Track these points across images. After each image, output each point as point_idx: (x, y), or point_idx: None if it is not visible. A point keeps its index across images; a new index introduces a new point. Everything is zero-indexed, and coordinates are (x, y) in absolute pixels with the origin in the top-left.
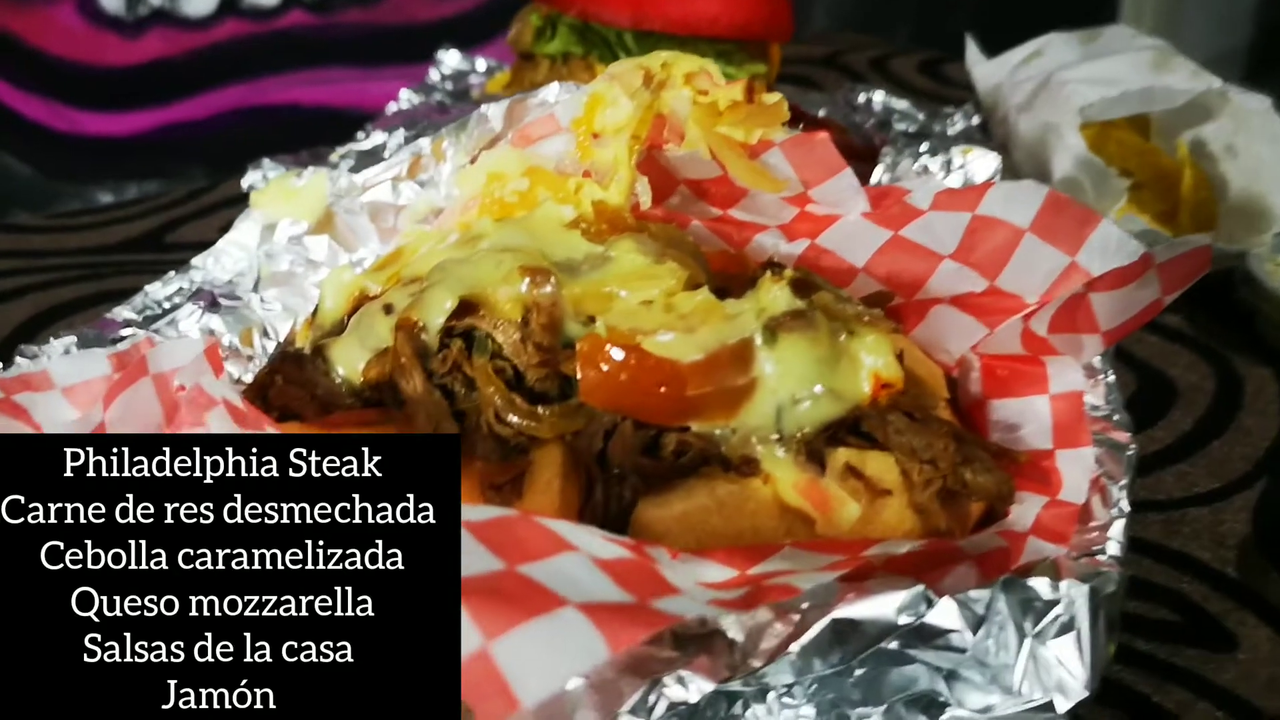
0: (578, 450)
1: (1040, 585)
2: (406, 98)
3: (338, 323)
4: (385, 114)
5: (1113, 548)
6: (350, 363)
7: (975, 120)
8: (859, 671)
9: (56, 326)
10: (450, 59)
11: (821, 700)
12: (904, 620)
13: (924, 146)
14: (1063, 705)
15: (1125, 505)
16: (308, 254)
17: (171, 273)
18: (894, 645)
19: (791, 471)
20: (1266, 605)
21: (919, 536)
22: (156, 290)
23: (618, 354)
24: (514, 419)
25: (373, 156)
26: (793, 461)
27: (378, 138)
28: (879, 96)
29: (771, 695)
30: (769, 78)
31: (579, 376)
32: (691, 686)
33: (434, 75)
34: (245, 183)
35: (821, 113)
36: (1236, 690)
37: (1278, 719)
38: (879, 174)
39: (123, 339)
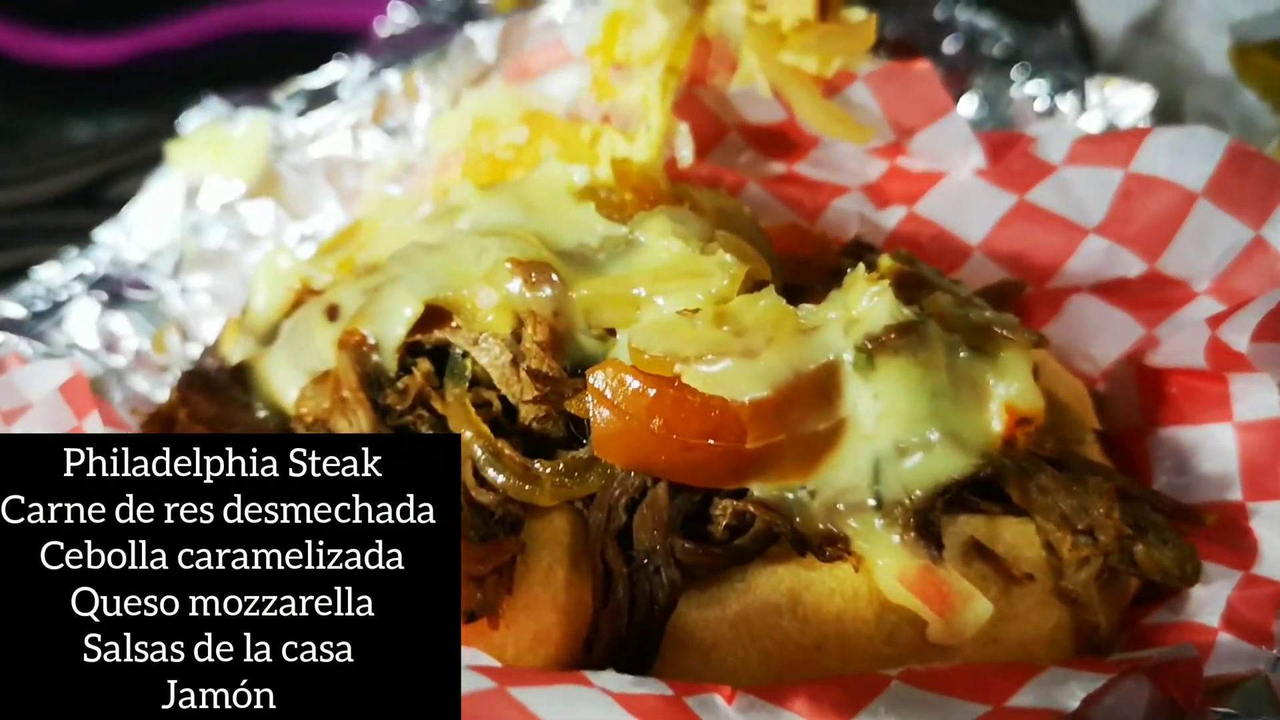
0: (591, 524)
1: None
2: (400, 17)
3: (271, 327)
4: (373, 38)
5: None
6: (280, 388)
7: (1071, 37)
8: None
9: None
10: None
11: None
12: None
13: (1017, 72)
14: None
15: None
16: (245, 225)
17: (72, 250)
18: None
19: (897, 554)
20: None
21: (1066, 635)
22: (50, 276)
23: (647, 390)
24: (500, 478)
25: (327, 96)
26: (898, 539)
27: (335, 71)
28: (962, 12)
29: None
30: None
31: (592, 419)
32: None
33: None
34: (184, 127)
35: (892, 32)
36: None
37: None
38: (971, 108)
39: None
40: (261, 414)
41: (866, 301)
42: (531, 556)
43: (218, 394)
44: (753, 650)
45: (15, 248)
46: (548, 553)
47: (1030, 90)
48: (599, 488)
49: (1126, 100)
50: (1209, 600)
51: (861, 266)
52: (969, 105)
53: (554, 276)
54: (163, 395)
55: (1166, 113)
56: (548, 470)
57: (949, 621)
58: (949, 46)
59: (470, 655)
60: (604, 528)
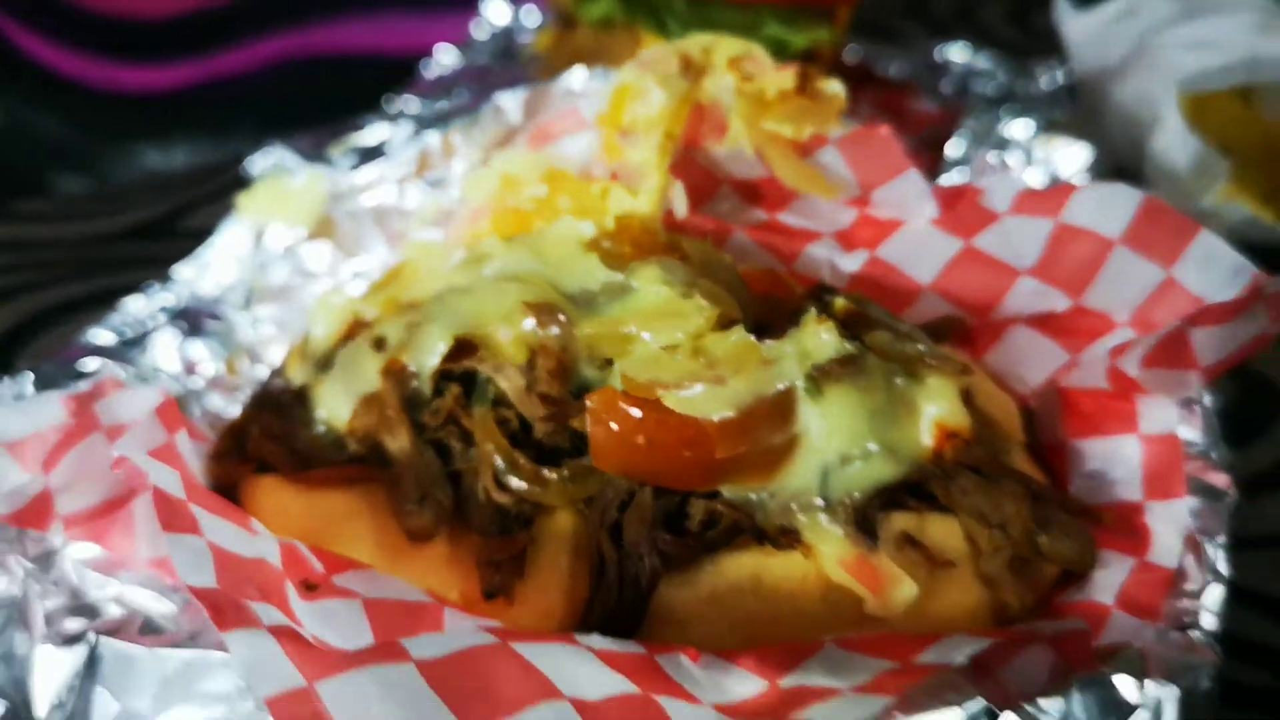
0: (589, 521)
1: (1123, 685)
2: (446, 59)
3: (327, 355)
4: (422, 78)
5: (1208, 620)
6: (335, 409)
7: (1062, 79)
8: None
9: (40, 341)
10: (494, 12)
11: None
12: None
13: (1005, 111)
14: None
15: (1223, 567)
16: (305, 264)
17: (155, 285)
18: None
19: (839, 544)
20: None
21: (987, 612)
22: (136, 307)
23: (634, 411)
24: (516, 483)
25: (376, 153)
26: (840, 532)
27: (382, 131)
28: (959, 54)
29: None
30: (836, 43)
31: (590, 435)
32: None
33: (477, 32)
34: (254, 169)
35: (896, 71)
36: None
37: None
38: (958, 143)
39: (86, 375)
40: (320, 430)
41: (816, 338)
42: (541, 547)
43: (283, 412)
44: (721, 623)
45: (97, 276)
46: (554, 544)
47: (1016, 129)
48: (596, 491)
49: (1067, 157)
50: (1108, 583)
51: (813, 309)
52: (958, 143)
53: (561, 316)
54: (235, 412)
55: (1102, 150)
56: (555, 476)
57: (882, 599)
58: (946, 86)
59: (485, 623)
60: (599, 523)
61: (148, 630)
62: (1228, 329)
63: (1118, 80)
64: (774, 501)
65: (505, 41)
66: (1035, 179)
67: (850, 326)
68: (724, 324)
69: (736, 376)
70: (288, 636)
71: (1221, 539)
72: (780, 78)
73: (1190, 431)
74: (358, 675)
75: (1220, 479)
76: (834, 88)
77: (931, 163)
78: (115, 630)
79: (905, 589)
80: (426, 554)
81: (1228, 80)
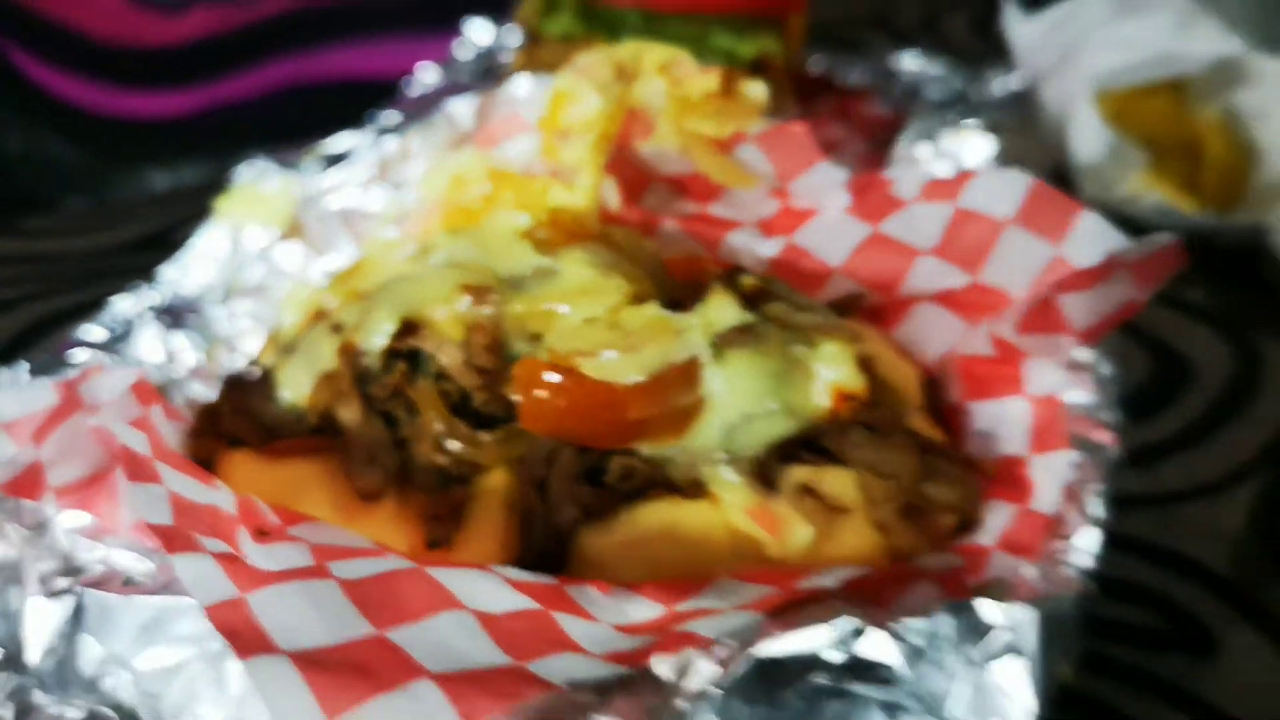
0: (519, 478)
1: (986, 609)
2: (428, 77)
3: (293, 340)
4: (405, 97)
5: (1081, 559)
6: (297, 388)
7: (1012, 84)
8: (789, 708)
9: (41, 345)
10: (477, 32)
11: None
12: (831, 655)
13: (952, 113)
14: None
15: (1099, 512)
16: (278, 263)
17: (142, 285)
18: (826, 680)
19: (741, 493)
20: (1257, 607)
21: (881, 555)
22: (124, 306)
23: (554, 378)
24: (455, 445)
25: (342, 159)
26: (742, 483)
27: (347, 140)
28: (911, 62)
29: None
30: (790, 49)
31: (519, 401)
32: None
33: (460, 51)
34: (239, 180)
35: (855, 79)
36: (1214, 700)
37: None
38: (904, 144)
39: (75, 366)
40: (284, 406)
41: (719, 310)
42: (477, 502)
43: (252, 392)
44: (637, 566)
45: (97, 286)
46: (489, 499)
47: (963, 129)
48: (525, 451)
49: (972, 149)
50: (992, 528)
51: (718, 285)
52: (904, 144)
53: (494, 297)
54: (213, 397)
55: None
56: (489, 439)
57: (780, 541)
58: (900, 92)
59: None
60: (528, 479)
61: (128, 585)
62: (1093, 294)
63: (1049, 81)
64: (684, 456)
65: (488, 60)
66: (943, 169)
67: (753, 301)
68: (639, 300)
69: (648, 346)
70: (228, 560)
71: (1098, 488)
72: (705, 81)
73: (1082, 394)
74: (285, 587)
75: (1105, 436)
76: (754, 89)
77: (881, 162)
78: (98, 585)
79: (801, 532)
80: (376, 512)
81: (1137, 77)
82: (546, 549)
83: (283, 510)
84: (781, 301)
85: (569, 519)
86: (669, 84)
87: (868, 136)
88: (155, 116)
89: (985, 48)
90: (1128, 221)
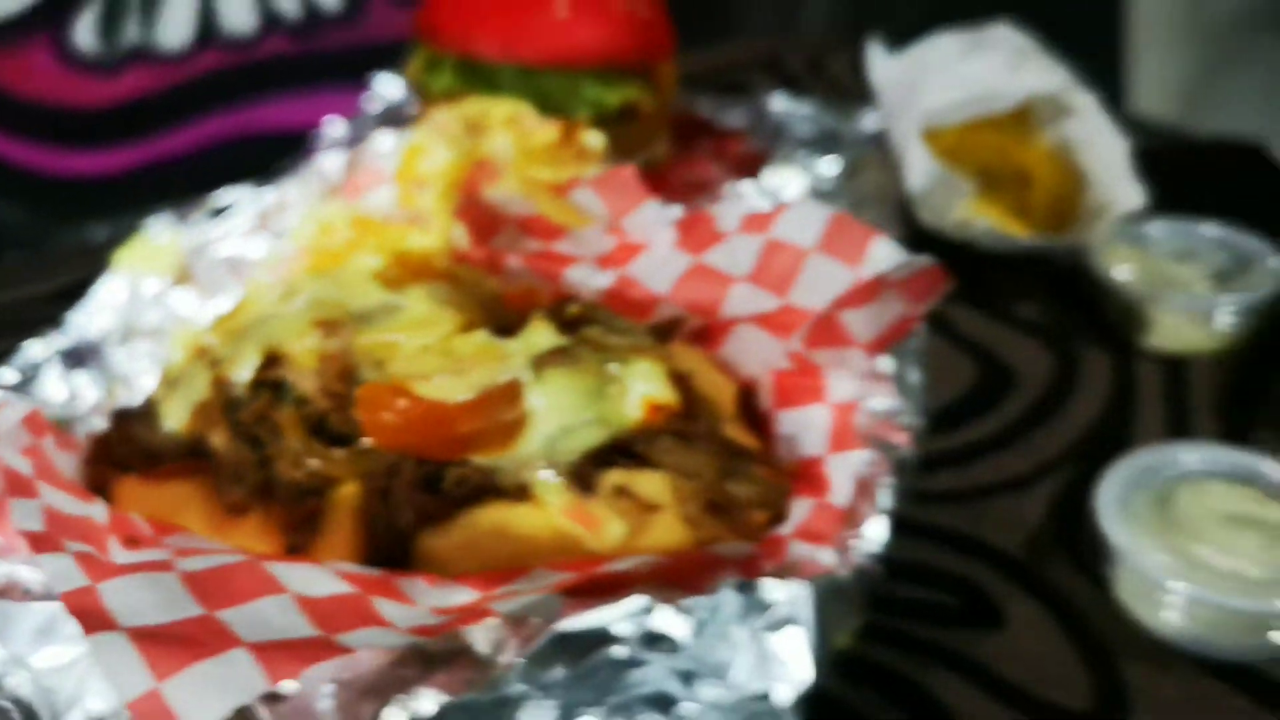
0: (367, 489)
1: (768, 587)
2: (335, 130)
3: (177, 376)
4: (312, 150)
5: (868, 545)
6: (177, 417)
7: (875, 122)
8: (589, 677)
9: None
10: (385, 86)
11: (554, 706)
12: (626, 628)
13: (815, 150)
14: (785, 694)
15: (888, 503)
16: (172, 307)
17: (51, 330)
18: (623, 652)
19: (561, 495)
20: (1044, 585)
21: (690, 546)
22: (35, 350)
23: (392, 398)
24: (311, 462)
25: (228, 211)
26: (562, 486)
27: (233, 194)
28: (782, 103)
29: (506, 705)
30: (662, 96)
31: (364, 421)
32: (427, 702)
33: (369, 105)
34: (146, 231)
35: (734, 120)
36: (996, 666)
37: (1028, 692)
38: (764, 180)
39: None
40: (166, 435)
41: (539, 335)
42: (330, 512)
43: (136, 422)
44: (472, 563)
45: (19, 333)
46: (341, 508)
47: (823, 166)
48: (372, 465)
49: (790, 185)
50: (793, 520)
51: (538, 313)
52: (799, 176)
53: (344, 330)
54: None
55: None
56: (341, 456)
57: (597, 537)
58: (772, 132)
59: None
60: (373, 490)
61: (26, 594)
62: (871, 310)
63: (895, 119)
64: (511, 465)
65: (394, 114)
66: (764, 204)
67: (573, 326)
68: (470, 329)
69: (476, 369)
70: (86, 557)
71: (889, 481)
72: (545, 132)
73: (883, 401)
74: (132, 578)
75: (900, 437)
76: (591, 139)
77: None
78: (1, 595)
79: (615, 528)
80: (244, 524)
81: (959, 114)
82: (390, 550)
83: (158, 524)
84: (599, 326)
85: (408, 523)
86: (514, 136)
87: (739, 174)
88: (94, 174)
89: (863, 88)
90: (963, 246)
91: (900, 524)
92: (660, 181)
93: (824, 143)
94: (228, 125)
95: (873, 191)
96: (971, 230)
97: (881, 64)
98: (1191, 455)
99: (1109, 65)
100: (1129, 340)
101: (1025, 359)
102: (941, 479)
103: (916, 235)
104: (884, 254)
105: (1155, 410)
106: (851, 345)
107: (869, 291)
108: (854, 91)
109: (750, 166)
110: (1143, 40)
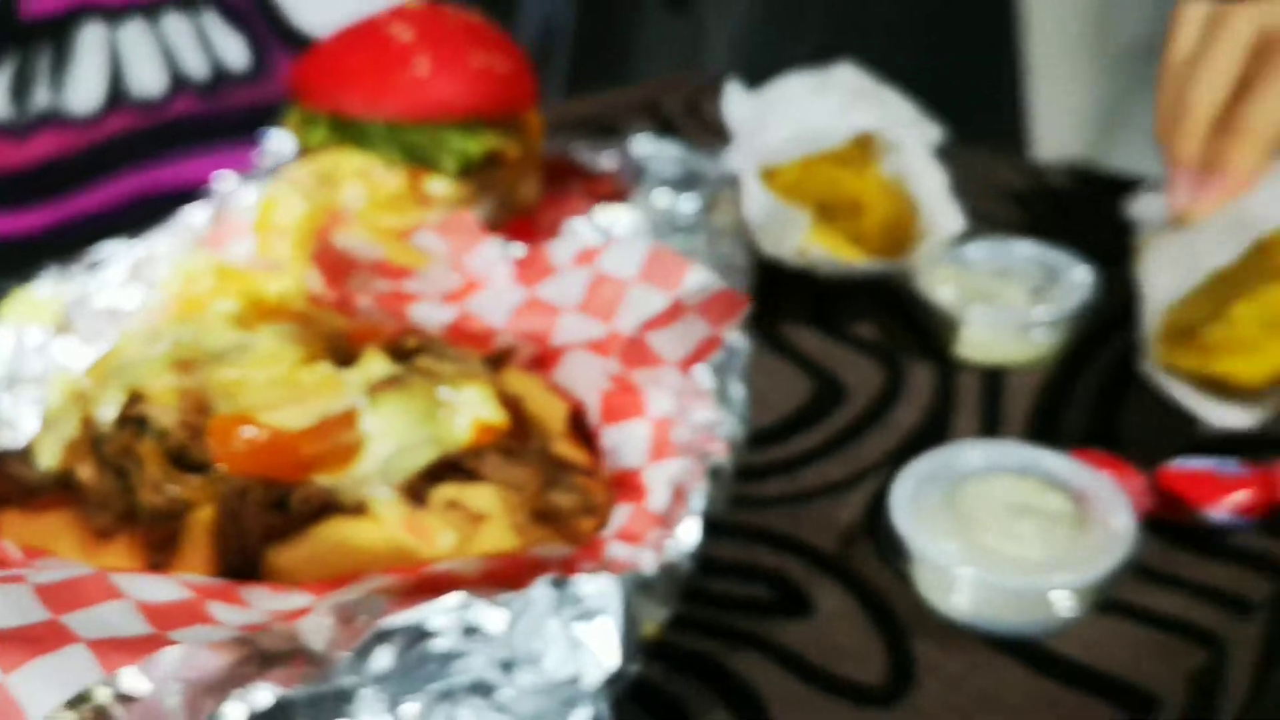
0: (221, 511)
1: (579, 582)
2: (225, 186)
3: (54, 418)
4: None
5: (679, 544)
6: (51, 454)
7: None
8: (414, 668)
9: None
10: (276, 141)
11: (383, 696)
12: (443, 622)
13: (674, 187)
14: (593, 678)
15: (699, 505)
16: (55, 355)
17: None
18: (444, 644)
19: (396, 510)
20: (851, 577)
21: (515, 550)
22: None
23: (239, 428)
24: (171, 489)
25: (102, 264)
26: (397, 501)
27: (109, 249)
28: (647, 146)
29: (340, 698)
30: (530, 142)
31: (215, 448)
32: (264, 694)
33: (260, 159)
34: (38, 289)
35: (606, 163)
36: (802, 650)
37: (829, 670)
38: (597, 218)
39: None
40: (40, 470)
41: (373, 365)
42: (188, 533)
43: (15, 460)
44: (317, 575)
45: None
46: (197, 529)
47: (684, 203)
48: (225, 488)
49: (620, 221)
50: (614, 525)
51: (371, 346)
52: (629, 213)
53: (197, 368)
54: None
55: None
56: (198, 482)
57: (430, 545)
58: (634, 170)
59: None
60: (226, 512)
61: None
62: (674, 331)
63: (736, 157)
64: (350, 483)
65: (284, 169)
66: (596, 239)
67: (406, 356)
68: (312, 362)
69: (316, 398)
70: None
71: (702, 486)
72: (393, 181)
73: (703, 414)
74: None
75: (717, 446)
76: (435, 186)
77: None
78: None
79: (446, 537)
80: (111, 547)
81: (791, 153)
82: (241, 565)
83: (31, 549)
84: (432, 355)
85: (257, 539)
86: (364, 186)
87: None
88: (10, 234)
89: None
90: (804, 272)
91: (725, 527)
92: (531, 223)
93: (686, 181)
94: (138, 184)
95: (728, 225)
96: (809, 258)
97: (736, 104)
98: (978, 452)
99: (1010, 99)
100: (950, 354)
101: (856, 374)
102: (771, 486)
103: (763, 264)
104: (695, 281)
105: (970, 418)
106: (664, 364)
107: (670, 315)
108: (725, 132)
109: (620, 201)
110: (1043, 72)
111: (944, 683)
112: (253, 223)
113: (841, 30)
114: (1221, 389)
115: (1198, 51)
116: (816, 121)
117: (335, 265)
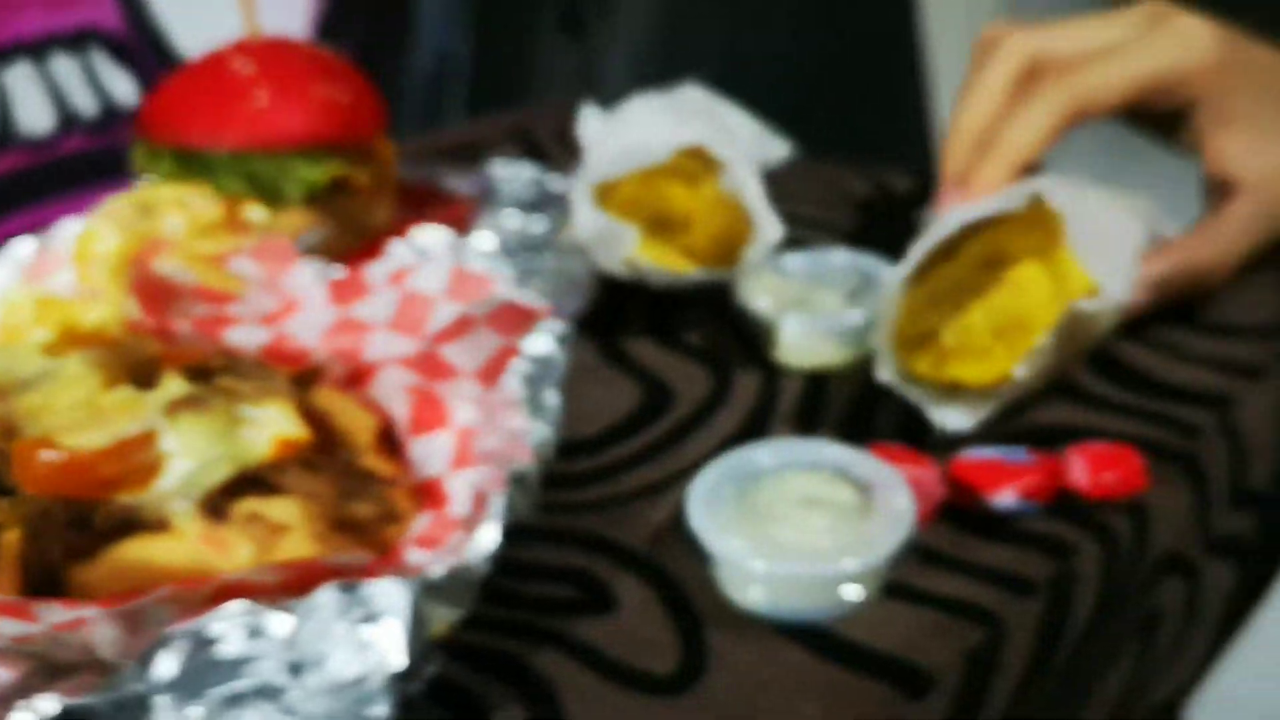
0: (25, 531)
1: (365, 586)
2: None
3: None
4: None
5: (478, 547)
6: None
7: None
8: (201, 674)
9: None
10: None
11: (171, 703)
12: (227, 629)
13: (525, 209)
14: (379, 677)
15: (497, 511)
16: None
17: None
18: (229, 650)
19: (196, 524)
20: (657, 575)
21: (311, 558)
22: None
23: (39, 450)
24: None
25: None
26: (196, 516)
27: None
28: (502, 170)
29: (131, 705)
30: (381, 168)
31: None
32: (49, 703)
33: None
34: None
35: (467, 187)
36: (603, 645)
37: (627, 663)
38: (414, 239)
39: None
40: None
41: (171, 385)
42: None
43: None
44: (119, 590)
45: None
46: (5, 551)
47: (534, 223)
48: (29, 510)
49: (433, 241)
50: (415, 532)
51: (170, 367)
52: (481, 235)
53: (8, 396)
54: None
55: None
56: (4, 504)
57: (229, 557)
58: (489, 193)
59: None
60: (29, 532)
61: None
62: (464, 344)
63: (579, 175)
64: (152, 501)
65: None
66: (411, 259)
67: (207, 376)
68: (114, 385)
69: (116, 419)
70: None
71: (501, 493)
72: (211, 210)
73: (511, 422)
74: None
75: (522, 453)
76: (252, 213)
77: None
78: None
79: (244, 549)
80: None
81: (618, 169)
82: (44, 584)
83: None
84: (233, 375)
85: (59, 558)
86: (183, 215)
87: (465, 234)
88: None
89: None
90: (638, 284)
91: (538, 531)
92: (383, 247)
93: (539, 202)
94: (29, 223)
95: (575, 243)
96: (638, 269)
97: (590, 124)
98: (772, 450)
99: (915, 118)
100: (770, 359)
101: (685, 381)
102: (591, 491)
103: (604, 279)
104: (499, 296)
105: (788, 421)
106: (459, 376)
107: (459, 328)
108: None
109: (468, 228)
110: (946, 90)
111: (733, 672)
112: (72, 254)
113: (739, 58)
114: (952, 393)
115: (970, 73)
116: (644, 138)
117: (154, 292)
